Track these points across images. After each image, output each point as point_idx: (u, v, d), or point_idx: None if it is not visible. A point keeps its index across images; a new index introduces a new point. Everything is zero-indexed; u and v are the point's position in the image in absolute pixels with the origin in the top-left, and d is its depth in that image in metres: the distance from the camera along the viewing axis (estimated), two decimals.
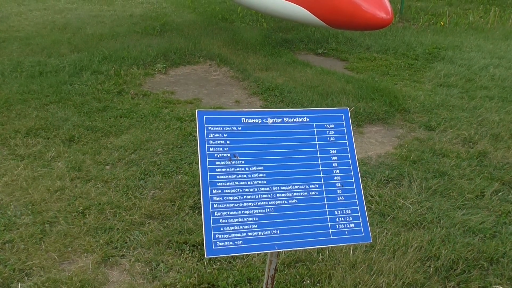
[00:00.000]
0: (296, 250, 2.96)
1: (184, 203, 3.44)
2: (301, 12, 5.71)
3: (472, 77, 6.42)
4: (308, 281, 2.75)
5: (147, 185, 3.68)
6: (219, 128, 1.91)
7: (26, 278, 2.74)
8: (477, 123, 4.98)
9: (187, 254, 2.95)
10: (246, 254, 2.94)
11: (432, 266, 2.91)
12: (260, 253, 2.95)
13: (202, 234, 3.04)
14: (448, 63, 7.09)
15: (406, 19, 10.27)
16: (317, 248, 2.97)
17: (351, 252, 2.97)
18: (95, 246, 3.00)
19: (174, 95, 5.69)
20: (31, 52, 7.00)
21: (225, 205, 1.85)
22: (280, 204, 1.91)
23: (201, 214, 3.30)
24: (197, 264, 2.86)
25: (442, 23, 9.68)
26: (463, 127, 4.87)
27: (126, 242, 3.07)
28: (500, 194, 3.73)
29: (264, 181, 1.92)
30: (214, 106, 5.37)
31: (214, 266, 2.85)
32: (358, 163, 4.25)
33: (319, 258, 2.92)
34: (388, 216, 3.39)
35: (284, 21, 8.66)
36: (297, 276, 2.78)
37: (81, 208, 3.37)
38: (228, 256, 2.93)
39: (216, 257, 2.91)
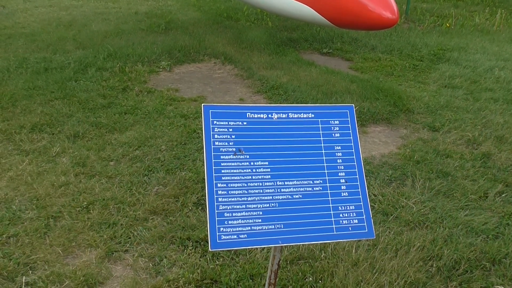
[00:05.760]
0: (299, 246, 2.97)
1: (188, 200, 3.46)
2: (307, 11, 5.71)
3: (477, 79, 6.41)
4: (311, 278, 2.75)
5: (151, 181, 3.70)
6: (224, 123, 1.92)
7: (30, 271, 2.75)
8: (481, 124, 4.97)
9: (190, 250, 2.96)
10: (249, 250, 2.96)
11: (434, 265, 2.92)
12: (263, 249, 2.96)
13: (205, 230, 3.06)
14: (453, 65, 7.08)
15: (411, 20, 10.26)
16: (321, 243, 2.98)
17: (353, 250, 2.98)
18: (99, 241, 3.02)
19: (179, 92, 5.70)
20: (37, 48, 7.03)
21: (229, 199, 1.86)
22: (285, 199, 1.92)
23: (204, 210, 3.33)
24: (200, 260, 2.87)
25: (447, 25, 9.67)
26: (467, 128, 4.86)
27: (129, 238, 3.08)
28: (503, 195, 3.72)
29: (269, 176, 1.93)
30: (219, 104, 5.38)
31: (217, 262, 2.86)
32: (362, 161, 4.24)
33: (322, 255, 2.93)
34: (391, 215, 3.39)
35: (290, 20, 8.67)
36: (300, 273, 2.79)
37: (85, 203, 3.38)
38: (231, 253, 2.94)
39: (218, 253, 2.92)
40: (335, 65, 7.04)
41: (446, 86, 6.21)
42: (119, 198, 3.45)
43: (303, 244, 2.97)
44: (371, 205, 3.48)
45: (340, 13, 5.28)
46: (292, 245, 2.94)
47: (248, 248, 2.92)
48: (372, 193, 3.64)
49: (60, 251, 2.92)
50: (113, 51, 6.76)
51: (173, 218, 3.27)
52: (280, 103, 5.40)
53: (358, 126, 4.80)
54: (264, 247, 2.94)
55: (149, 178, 3.75)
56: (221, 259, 2.90)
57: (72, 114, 4.81)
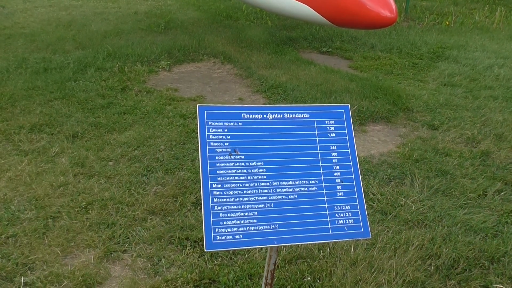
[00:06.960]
0: (296, 246, 2.97)
1: (186, 200, 3.46)
2: (306, 10, 5.71)
3: (477, 77, 6.40)
4: (309, 278, 2.75)
5: (149, 181, 3.70)
6: (219, 123, 1.91)
7: (29, 272, 2.75)
8: (480, 122, 4.97)
9: (188, 250, 2.96)
10: (247, 250, 2.96)
11: (433, 264, 2.91)
12: (262, 249, 2.96)
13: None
14: (452, 63, 7.07)
15: (411, 18, 10.25)
16: (316, 243, 2.98)
17: (352, 250, 2.97)
18: (98, 241, 3.02)
19: (178, 92, 5.70)
20: (36, 48, 7.03)
21: (225, 200, 1.86)
22: (280, 199, 1.92)
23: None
24: (198, 260, 2.88)
25: (447, 23, 9.66)
26: (467, 126, 4.86)
27: (128, 238, 3.08)
28: (502, 193, 3.72)
29: (264, 176, 1.93)
30: (218, 103, 5.39)
31: (215, 262, 2.87)
32: (361, 161, 4.26)
33: (320, 255, 2.93)
34: (390, 214, 3.39)
35: (289, 19, 8.66)
36: (298, 272, 2.79)
37: (84, 203, 3.38)
38: (229, 252, 2.94)
39: (217, 253, 2.92)
40: (334, 64, 7.03)
41: (446, 84, 6.20)
42: (118, 198, 3.45)
43: (299, 244, 2.97)
44: (370, 205, 3.50)
45: (339, 12, 5.28)
46: (290, 245, 2.94)
47: (246, 248, 2.92)
48: (371, 192, 3.64)
49: (58, 251, 2.92)
50: (113, 51, 6.77)
51: (172, 218, 3.27)
52: (279, 102, 5.40)
53: (357, 125, 4.84)
54: (262, 247, 2.94)
55: (148, 178, 3.75)
56: (220, 259, 2.90)
57: (71, 114, 4.82)
